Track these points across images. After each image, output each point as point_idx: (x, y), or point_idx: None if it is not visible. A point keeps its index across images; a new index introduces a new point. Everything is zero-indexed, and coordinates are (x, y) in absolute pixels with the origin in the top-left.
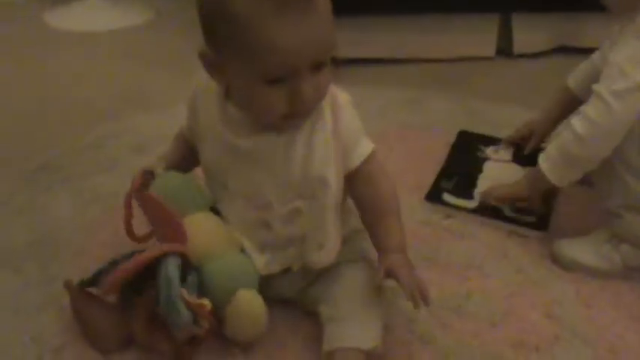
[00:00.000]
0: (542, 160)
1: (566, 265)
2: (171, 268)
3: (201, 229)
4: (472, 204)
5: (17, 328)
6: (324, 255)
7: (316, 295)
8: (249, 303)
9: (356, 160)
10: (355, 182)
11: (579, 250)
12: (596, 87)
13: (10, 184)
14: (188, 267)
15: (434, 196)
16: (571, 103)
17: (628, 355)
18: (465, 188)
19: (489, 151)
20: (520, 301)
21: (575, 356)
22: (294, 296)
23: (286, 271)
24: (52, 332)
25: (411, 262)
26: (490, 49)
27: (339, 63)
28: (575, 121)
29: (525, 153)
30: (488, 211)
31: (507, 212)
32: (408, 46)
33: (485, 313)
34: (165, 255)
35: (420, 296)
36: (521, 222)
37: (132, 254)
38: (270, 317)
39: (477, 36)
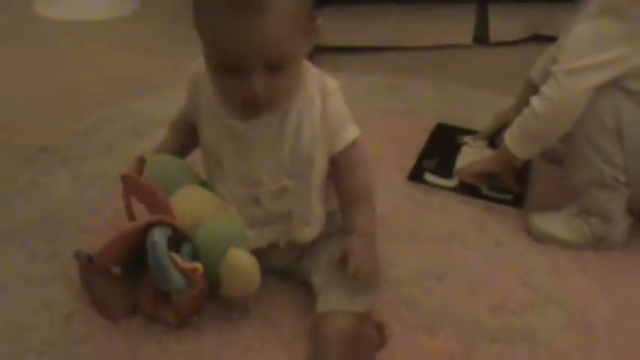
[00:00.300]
0: (507, 136)
1: (540, 238)
2: (157, 234)
3: (189, 200)
4: (452, 183)
5: (29, 298)
6: (309, 231)
7: (307, 267)
8: (240, 258)
9: (340, 144)
10: (336, 166)
11: (552, 223)
12: (552, 68)
13: (12, 166)
14: (182, 238)
15: (416, 175)
16: (535, 94)
17: (595, 317)
18: (446, 168)
19: (466, 138)
20: (498, 271)
21: (549, 319)
22: (286, 267)
23: (273, 246)
24: (61, 301)
25: (371, 246)
26: (468, 38)
27: (324, 50)
28: (533, 99)
29: (498, 143)
30: (467, 189)
31: (485, 191)
32: (389, 35)
33: (466, 280)
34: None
35: (363, 277)
36: (497, 199)
37: None
38: (265, 285)
39: (455, 25)
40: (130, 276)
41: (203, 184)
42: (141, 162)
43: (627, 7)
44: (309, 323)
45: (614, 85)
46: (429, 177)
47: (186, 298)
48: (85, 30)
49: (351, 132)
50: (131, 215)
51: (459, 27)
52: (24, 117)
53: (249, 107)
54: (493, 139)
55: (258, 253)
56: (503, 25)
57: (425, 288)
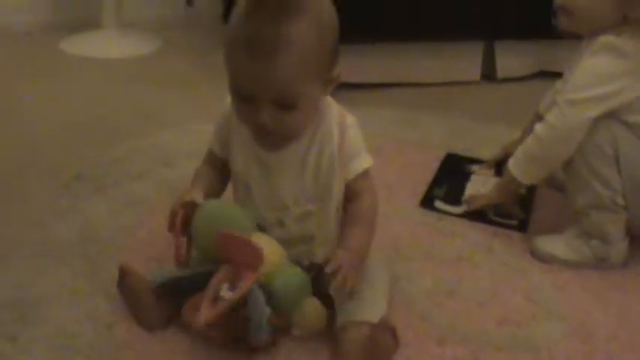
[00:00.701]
0: (511, 163)
1: (543, 259)
2: (262, 301)
3: (266, 250)
4: (460, 210)
5: (74, 309)
6: (327, 250)
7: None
8: (315, 309)
9: (353, 173)
10: (346, 191)
11: (554, 245)
12: (558, 97)
13: (51, 192)
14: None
15: (427, 202)
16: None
17: (595, 329)
18: (454, 196)
19: (474, 167)
20: (504, 287)
21: (551, 330)
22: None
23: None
24: (103, 312)
25: (358, 263)
26: (475, 74)
27: (340, 87)
28: (537, 126)
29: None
30: (475, 215)
31: (491, 216)
32: (401, 72)
33: (474, 296)
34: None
35: (345, 290)
36: (503, 225)
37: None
38: None
39: (463, 62)
40: (179, 291)
41: (261, 228)
42: (189, 207)
43: (623, 46)
44: (332, 333)
45: (612, 116)
46: (438, 204)
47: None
48: (112, 66)
49: (364, 162)
50: (182, 263)
51: (467, 64)
52: (59, 146)
53: (261, 136)
54: (499, 168)
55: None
56: (509, 62)
57: (436, 303)
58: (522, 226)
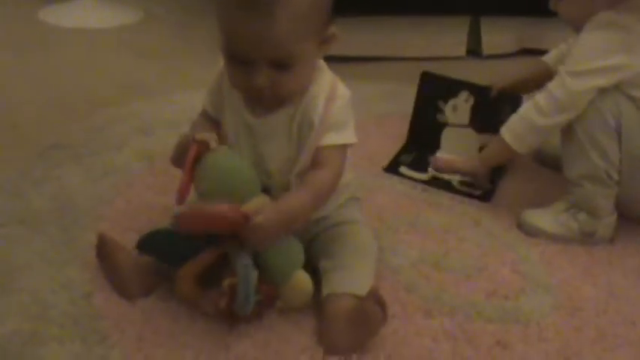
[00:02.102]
0: (504, 131)
1: (531, 232)
2: (247, 258)
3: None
4: (425, 176)
5: (49, 278)
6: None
7: (316, 252)
8: (305, 282)
9: (325, 141)
10: (313, 158)
11: (541, 218)
12: (560, 67)
13: (25, 161)
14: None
15: (392, 168)
16: (538, 70)
17: (584, 302)
18: (421, 163)
19: (448, 110)
20: (491, 260)
21: (539, 303)
22: None
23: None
24: (80, 281)
25: (280, 218)
26: (461, 50)
27: (325, 60)
28: (539, 95)
29: (491, 96)
30: (439, 183)
31: (456, 185)
32: (387, 46)
33: (462, 268)
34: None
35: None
36: (467, 194)
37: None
38: None
39: (449, 37)
40: (171, 261)
41: (266, 190)
42: (203, 147)
43: (622, 20)
44: (316, 303)
45: (619, 89)
46: (403, 170)
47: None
48: (91, 37)
49: (343, 137)
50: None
51: (453, 39)
52: (35, 117)
53: (255, 100)
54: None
55: None
56: (495, 38)
57: (423, 274)
58: (486, 197)
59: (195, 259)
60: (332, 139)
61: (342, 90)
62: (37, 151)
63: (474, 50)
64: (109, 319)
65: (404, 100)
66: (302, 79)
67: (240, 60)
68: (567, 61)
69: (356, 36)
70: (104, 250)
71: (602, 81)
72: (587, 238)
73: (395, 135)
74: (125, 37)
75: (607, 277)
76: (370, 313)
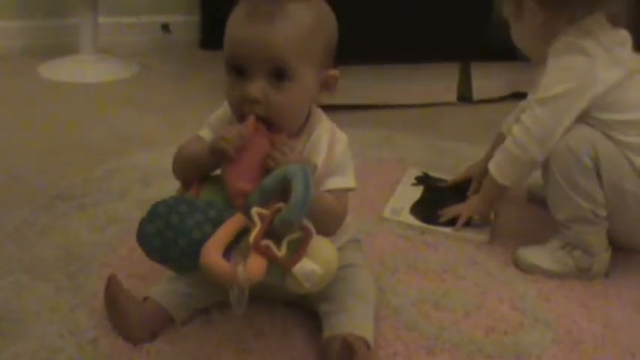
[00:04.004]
0: (490, 164)
1: (527, 269)
2: (312, 183)
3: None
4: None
5: (56, 324)
6: None
7: (317, 295)
8: (331, 247)
9: (328, 185)
10: None
11: (537, 256)
12: (529, 100)
13: (30, 211)
14: None
15: (392, 214)
16: (498, 143)
17: (582, 336)
18: (426, 211)
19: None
20: (490, 297)
21: (539, 338)
22: (295, 298)
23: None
24: (86, 327)
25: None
26: (452, 96)
27: (322, 108)
28: (514, 127)
29: (469, 195)
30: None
31: (458, 229)
32: (379, 94)
33: (461, 306)
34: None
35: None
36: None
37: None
38: (277, 313)
39: (440, 84)
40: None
41: None
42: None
43: (580, 43)
44: (317, 345)
45: (587, 118)
46: (404, 216)
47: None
48: (89, 91)
49: (345, 182)
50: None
51: (444, 86)
52: (37, 169)
53: (247, 112)
54: (459, 187)
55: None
56: (485, 83)
57: (423, 313)
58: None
59: (219, 231)
60: (335, 183)
61: (341, 134)
62: (41, 202)
63: (465, 96)
64: None
65: (399, 146)
66: (294, 101)
67: (238, 68)
68: (536, 90)
69: (348, 85)
70: (111, 291)
71: (569, 105)
72: (583, 274)
73: (392, 180)
74: (123, 90)
75: (604, 311)
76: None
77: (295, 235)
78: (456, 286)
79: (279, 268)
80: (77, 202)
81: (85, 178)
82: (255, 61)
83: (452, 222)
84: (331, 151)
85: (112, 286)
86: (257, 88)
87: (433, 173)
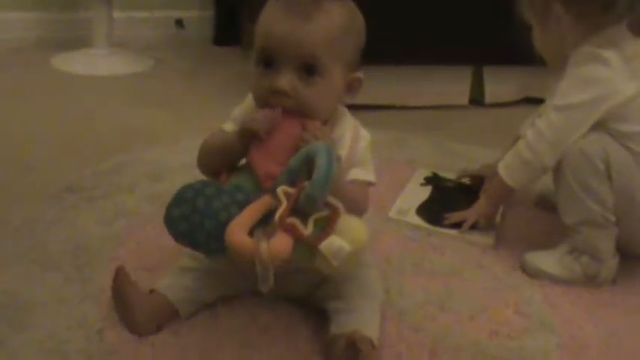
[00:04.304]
0: (501, 166)
1: (534, 274)
2: (336, 161)
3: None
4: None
5: (64, 315)
6: None
7: (326, 294)
8: (361, 225)
9: (350, 176)
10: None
11: (544, 261)
12: (546, 106)
13: (39, 203)
14: None
15: (399, 214)
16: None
17: (587, 342)
18: (433, 212)
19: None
20: (495, 301)
21: (544, 342)
22: (303, 295)
23: (295, 272)
24: (93, 318)
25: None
26: (464, 99)
27: None
28: (528, 131)
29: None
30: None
31: (464, 232)
32: (392, 95)
33: (466, 309)
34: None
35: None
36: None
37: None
38: (284, 310)
39: (452, 86)
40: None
41: None
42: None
43: (603, 53)
44: (321, 343)
45: (603, 129)
46: (409, 217)
47: (320, 221)
48: (102, 84)
49: (367, 175)
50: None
51: (456, 89)
52: (48, 161)
53: (273, 104)
54: (468, 189)
55: (284, 277)
56: (497, 87)
57: (428, 315)
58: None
59: (245, 211)
60: (357, 174)
61: (364, 132)
62: (50, 194)
63: (477, 99)
64: (121, 355)
65: (410, 147)
66: (322, 97)
67: (267, 60)
68: (554, 97)
69: (364, 85)
70: (119, 283)
71: (586, 114)
72: (590, 281)
73: (401, 181)
74: (136, 84)
75: (609, 317)
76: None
77: (323, 214)
78: (461, 289)
79: (307, 247)
80: (86, 195)
81: (94, 170)
82: (286, 54)
83: (458, 224)
84: (354, 145)
85: (119, 278)
86: (286, 80)
87: (443, 173)
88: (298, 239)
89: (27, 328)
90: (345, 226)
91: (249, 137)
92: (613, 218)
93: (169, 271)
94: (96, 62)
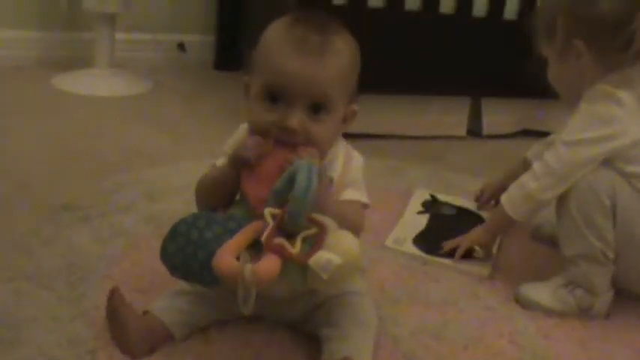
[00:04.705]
0: (504, 199)
1: (528, 306)
2: (316, 177)
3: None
4: (427, 252)
5: (56, 333)
6: None
7: (319, 320)
8: (350, 237)
9: (344, 197)
10: None
11: (539, 293)
12: (555, 138)
13: (36, 220)
14: None
15: (395, 243)
16: (522, 167)
17: None
18: (429, 241)
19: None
20: (489, 331)
21: None
22: (297, 320)
23: (291, 297)
24: (85, 337)
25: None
26: (462, 130)
27: None
28: (535, 164)
29: (477, 208)
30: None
31: (457, 262)
32: (390, 125)
33: (460, 338)
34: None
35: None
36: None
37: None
38: (277, 335)
39: (450, 117)
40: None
41: None
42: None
43: (617, 93)
44: None
45: (612, 166)
46: (406, 247)
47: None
48: (102, 105)
49: (361, 195)
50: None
51: (454, 119)
52: (46, 179)
53: (281, 140)
54: (467, 215)
55: (281, 303)
56: (495, 119)
57: (422, 344)
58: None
59: (235, 236)
60: (351, 194)
61: (357, 155)
62: (47, 212)
63: (475, 130)
64: None
65: (406, 176)
66: (329, 133)
67: (278, 97)
68: (564, 131)
69: (359, 114)
70: (113, 303)
71: (594, 151)
72: (584, 313)
73: (396, 210)
74: (135, 105)
75: (603, 351)
76: None
77: (310, 232)
78: (455, 319)
79: (297, 266)
80: (83, 214)
81: (92, 189)
82: (298, 93)
83: (453, 254)
84: (347, 166)
85: (114, 299)
86: (297, 119)
87: (441, 196)
88: (286, 258)
89: (18, 345)
90: (335, 240)
91: (240, 165)
92: (612, 255)
93: (164, 293)
94: (97, 83)
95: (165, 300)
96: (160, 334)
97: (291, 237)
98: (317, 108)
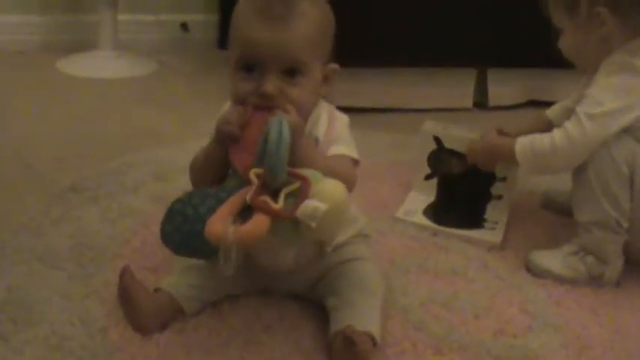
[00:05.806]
0: (518, 143)
1: (538, 274)
2: (287, 129)
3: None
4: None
5: (67, 312)
6: None
7: (324, 289)
8: (335, 183)
9: (331, 152)
10: None
11: (550, 260)
12: (577, 108)
13: (45, 201)
14: None
15: (406, 215)
16: (538, 124)
17: (591, 341)
18: (439, 212)
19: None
20: (499, 300)
21: (548, 341)
22: (305, 291)
23: (302, 268)
24: (97, 316)
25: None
26: (467, 101)
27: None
28: (556, 132)
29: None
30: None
31: (465, 229)
32: (395, 98)
33: (470, 308)
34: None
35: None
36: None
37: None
38: (286, 307)
39: (456, 89)
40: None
41: None
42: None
43: (635, 62)
44: (325, 340)
45: (632, 136)
46: (416, 217)
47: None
48: (107, 86)
49: (349, 150)
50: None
51: (460, 91)
52: (53, 161)
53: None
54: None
55: (287, 274)
56: (501, 90)
57: (432, 314)
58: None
59: (225, 204)
60: (339, 149)
61: (341, 114)
62: (55, 193)
63: (481, 102)
64: (125, 353)
65: (412, 150)
66: (307, 95)
67: (251, 66)
68: (584, 102)
69: (365, 87)
70: (125, 281)
71: (619, 122)
72: (594, 281)
73: (405, 182)
74: (140, 87)
75: (614, 317)
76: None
77: (293, 186)
78: (465, 288)
79: (287, 222)
80: (91, 194)
81: (99, 171)
82: (269, 60)
83: (463, 224)
84: (331, 125)
85: (125, 277)
86: (272, 85)
87: (450, 130)
88: (273, 215)
89: (30, 324)
90: (319, 188)
91: (226, 139)
92: (626, 225)
93: (174, 269)
94: (101, 65)
95: (176, 276)
96: (171, 310)
97: (275, 194)
98: (291, 72)
